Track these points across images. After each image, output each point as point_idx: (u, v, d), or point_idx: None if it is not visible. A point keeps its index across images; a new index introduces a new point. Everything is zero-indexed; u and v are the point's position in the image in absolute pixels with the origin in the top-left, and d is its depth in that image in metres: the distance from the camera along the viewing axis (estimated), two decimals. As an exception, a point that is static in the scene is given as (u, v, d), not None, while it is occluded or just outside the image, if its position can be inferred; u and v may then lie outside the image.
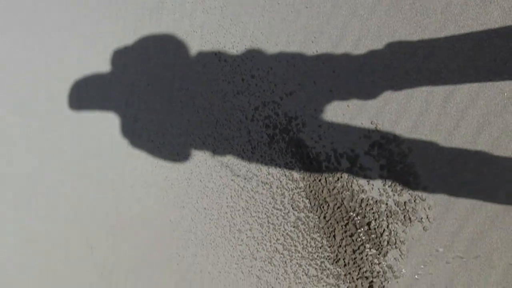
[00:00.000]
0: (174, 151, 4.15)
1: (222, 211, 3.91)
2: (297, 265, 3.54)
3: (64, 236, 5.35)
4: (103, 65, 4.60)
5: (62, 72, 4.99)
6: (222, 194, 3.88)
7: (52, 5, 5.02)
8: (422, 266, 3.00)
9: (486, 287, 2.79)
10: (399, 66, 2.92)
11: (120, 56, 4.45)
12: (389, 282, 3.14)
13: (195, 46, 3.87)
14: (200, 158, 3.97)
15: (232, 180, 3.79)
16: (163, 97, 4.15)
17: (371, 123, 3.06)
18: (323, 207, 3.33)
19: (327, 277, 3.39)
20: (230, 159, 3.78)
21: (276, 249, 3.63)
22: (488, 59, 2.65)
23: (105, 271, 5.01)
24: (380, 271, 3.16)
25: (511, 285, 2.71)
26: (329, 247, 3.35)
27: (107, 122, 4.66)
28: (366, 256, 3.20)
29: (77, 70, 4.85)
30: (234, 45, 3.62)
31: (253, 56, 3.53)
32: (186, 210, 4.17)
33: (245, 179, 3.71)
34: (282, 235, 3.58)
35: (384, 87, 2.98)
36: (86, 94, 4.81)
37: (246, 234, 3.79)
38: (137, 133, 4.42)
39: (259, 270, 3.76)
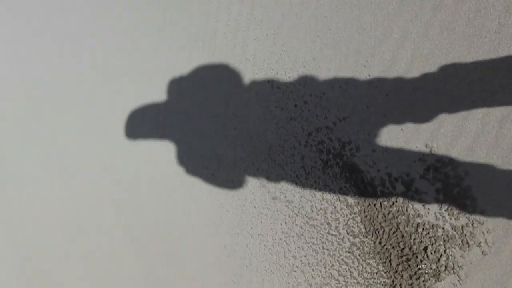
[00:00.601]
0: (229, 178, 4.21)
1: (277, 237, 3.93)
2: (353, 292, 3.52)
3: (123, 260, 5.45)
4: (159, 95, 4.72)
5: (119, 103, 5.15)
6: (277, 220, 3.91)
7: (108, 36, 5.20)
8: (482, 292, 2.95)
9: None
10: (453, 89, 2.91)
11: (175, 86, 4.57)
12: (449, 308, 3.09)
13: (248, 74, 3.94)
14: (254, 184, 4.01)
15: (286, 206, 3.81)
16: (217, 125, 4.23)
17: (426, 146, 3.05)
18: (378, 232, 3.32)
19: (384, 303, 3.36)
20: (283, 186, 3.81)
21: (331, 275, 3.62)
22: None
23: (161, 298, 5.08)
24: (438, 298, 3.12)
25: None
26: (385, 272, 3.32)
27: (163, 150, 4.77)
28: (423, 281, 3.16)
29: (134, 101, 4.98)
30: (287, 72, 3.68)
31: (305, 82, 3.57)
32: (240, 236, 4.21)
33: (298, 205, 3.73)
34: (337, 261, 3.56)
35: (438, 110, 2.97)
36: (141, 123, 4.94)
37: (300, 260, 3.80)
38: (192, 161, 4.50)
39: (314, 296, 3.76)
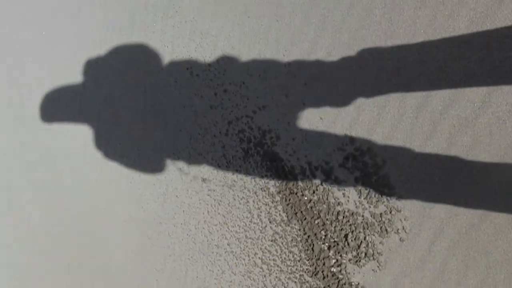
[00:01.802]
0: (149, 166, 4.12)
1: (199, 226, 3.88)
2: (276, 279, 3.52)
3: (42, 250, 5.29)
4: (76, 78, 4.55)
5: (34, 85, 4.94)
6: (199, 209, 3.85)
7: (26, 18, 4.97)
8: (399, 277, 2.99)
9: (464, 296, 2.79)
10: (370, 77, 2.92)
11: (92, 70, 4.41)
12: (369, 294, 3.14)
13: (166, 61, 3.84)
14: (175, 173, 3.94)
15: (208, 195, 3.76)
16: (135, 112, 4.11)
17: (345, 135, 3.05)
18: (300, 220, 3.32)
19: (307, 290, 3.38)
20: (205, 175, 3.75)
21: (255, 263, 3.60)
22: (458, 69, 2.65)
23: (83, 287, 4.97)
24: (358, 283, 3.15)
25: (493, 282, 2.72)
26: (308, 260, 3.33)
27: (80, 135, 4.62)
28: (344, 268, 3.19)
29: (51, 84, 4.79)
30: (206, 59, 3.60)
31: (225, 70, 3.51)
32: (163, 226, 4.14)
33: (220, 194, 3.69)
34: (260, 249, 3.55)
35: (356, 98, 2.98)
36: (58, 106, 4.76)
37: (224, 249, 3.76)
38: (111, 148, 4.38)
39: (238, 285, 3.74)
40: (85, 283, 4.92)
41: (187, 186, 3.88)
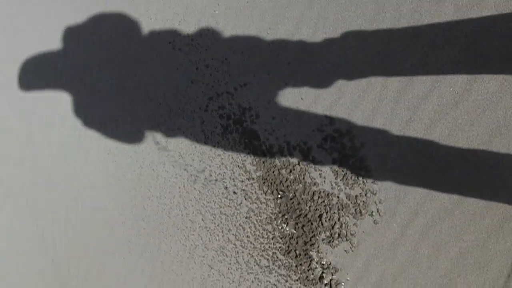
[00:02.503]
0: (127, 138, 4.08)
1: (175, 200, 3.86)
2: (249, 256, 3.52)
3: (16, 223, 5.23)
4: (57, 44, 4.48)
5: (14, 51, 4.85)
6: (175, 184, 3.83)
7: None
8: (371, 259, 3.01)
9: (435, 279, 2.82)
10: (353, 59, 2.91)
11: (74, 37, 4.34)
12: (339, 274, 3.15)
13: (149, 33, 3.80)
14: (152, 147, 3.91)
15: (185, 169, 3.74)
16: (116, 83, 4.06)
17: (325, 116, 3.04)
18: (275, 199, 3.31)
19: (278, 268, 3.39)
20: (183, 150, 3.73)
21: (229, 239, 3.60)
22: (442, 55, 2.65)
23: (56, 257, 4.92)
24: (330, 263, 3.17)
25: (458, 275, 2.74)
26: (281, 238, 3.34)
27: (60, 104, 4.55)
28: (317, 248, 3.20)
29: (30, 50, 4.71)
30: (189, 34, 3.56)
31: (208, 45, 3.48)
32: (138, 198, 4.11)
33: (197, 170, 3.67)
34: (235, 225, 3.55)
35: (338, 80, 2.97)
36: (38, 72, 4.68)
37: (198, 224, 3.76)
38: (90, 118, 4.33)
39: (211, 259, 3.74)
40: (59, 251, 4.89)
41: (164, 160, 3.86)
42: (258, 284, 3.51)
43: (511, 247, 2.59)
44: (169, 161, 3.83)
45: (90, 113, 4.32)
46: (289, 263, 3.34)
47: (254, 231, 3.46)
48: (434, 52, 2.67)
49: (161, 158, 3.87)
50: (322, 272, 3.22)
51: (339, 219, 3.09)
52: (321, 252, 3.20)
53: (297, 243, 3.29)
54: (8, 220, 5.31)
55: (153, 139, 3.89)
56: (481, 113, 2.58)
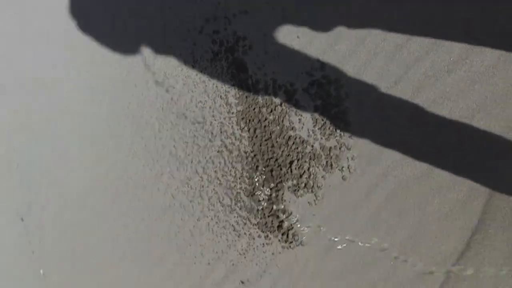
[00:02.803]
0: (115, 48, 4.00)
1: (151, 121, 3.80)
2: (213, 192, 3.48)
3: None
4: None
5: None
6: (154, 104, 3.76)
7: None
8: (332, 216, 2.97)
9: (390, 245, 2.78)
10: (359, 5, 2.83)
11: None
12: (298, 224, 3.11)
13: None
14: (139, 62, 3.83)
15: (167, 91, 3.67)
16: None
17: (317, 60, 2.97)
18: (251, 137, 3.25)
19: (240, 209, 3.34)
20: (168, 70, 3.65)
21: (196, 171, 3.55)
22: (446, 20, 2.58)
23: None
24: (291, 212, 3.12)
25: (413, 244, 2.70)
26: (248, 179, 3.29)
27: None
28: (282, 195, 3.15)
29: None
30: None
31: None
32: (115, 113, 4.04)
33: (179, 93, 3.60)
34: (205, 158, 3.49)
35: (339, 24, 2.89)
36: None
37: (169, 150, 3.70)
38: (84, 19, 4.25)
39: (175, 189, 3.69)
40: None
41: (148, 77, 3.78)
42: (216, 222, 3.47)
43: (470, 225, 2.54)
44: (153, 79, 3.75)
45: (86, 16, 4.24)
46: (251, 205, 3.30)
47: (223, 167, 3.41)
48: (440, 14, 2.59)
49: (145, 75, 3.80)
50: (282, 221, 3.17)
51: (308, 169, 3.03)
52: (285, 200, 3.15)
53: (262, 186, 3.23)
54: None
55: (141, 54, 3.81)
56: (471, 85, 2.51)
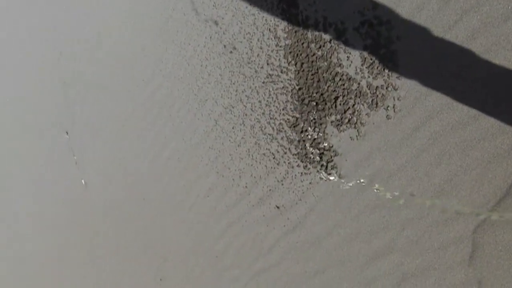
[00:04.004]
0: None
1: (198, 50, 3.77)
2: (255, 120, 3.49)
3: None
4: None
5: None
6: (202, 32, 3.72)
7: None
8: (373, 152, 2.97)
9: (429, 186, 2.78)
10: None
11: None
12: (338, 158, 3.12)
13: None
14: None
15: (215, 21, 3.61)
16: None
17: (370, 0, 2.88)
18: (297, 71, 3.22)
19: (281, 138, 3.36)
20: (218, 0, 3.58)
21: (240, 99, 3.54)
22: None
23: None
24: (332, 146, 3.13)
25: (453, 188, 2.70)
26: (292, 111, 3.29)
27: None
28: (324, 128, 3.15)
29: None
30: None
31: None
32: (160, 40, 4.01)
33: (228, 24, 3.54)
34: (250, 87, 3.48)
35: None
36: None
37: (215, 78, 3.69)
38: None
39: (218, 115, 3.70)
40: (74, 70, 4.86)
41: (196, 7, 3.72)
42: (257, 149, 3.50)
43: (511, 175, 2.53)
44: (201, 9, 3.69)
45: None
46: (293, 137, 3.31)
47: (267, 98, 3.40)
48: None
49: (194, 4, 3.73)
50: (322, 153, 3.18)
51: (353, 106, 3.02)
52: (327, 133, 3.15)
53: (306, 119, 3.23)
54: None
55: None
56: (528, 35, 2.44)
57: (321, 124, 3.17)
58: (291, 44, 3.23)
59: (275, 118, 3.38)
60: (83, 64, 4.78)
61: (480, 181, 2.61)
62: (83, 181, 5.20)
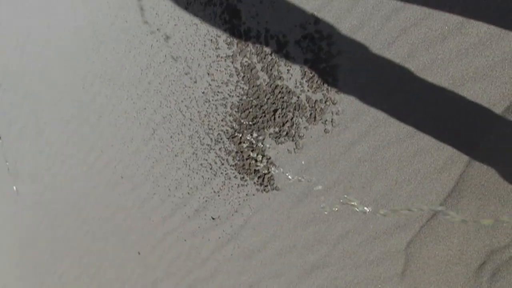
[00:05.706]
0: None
1: (139, 58, 3.61)
2: (194, 130, 3.34)
3: None
4: None
5: None
6: (143, 41, 3.56)
7: None
8: (310, 165, 2.87)
9: (365, 200, 2.71)
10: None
11: None
12: (275, 170, 3.00)
13: None
14: (133, 1, 3.60)
15: (157, 29, 3.45)
16: None
17: (312, 14, 2.79)
18: (237, 82, 3.09)
19: (219, 149, 3.23)
20: (160, 11, 3.43)
21: (180, 109, 3.40)
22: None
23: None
24: (270, 158, 3.01)
25: (388, 201, 2.63)
26: (231, 122, 3.16)
27: None
28: (262, 140, 3.03)
29: None
30: None
31: None
32: (101, 47, 3.81)
33: (170, 33, 3.39)
34: (190, 97, 3.34)
35: (337, -19, 2.71)
36: None
37: (154, 86, 3.53)
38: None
39: (156, 124, 3.54)
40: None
41: (139, 16, 3.55)
42: (194, 160, 3.35)
43: (445, 190, 2.48)
44: (143, 17, 3.52)
45: None
46: (231, 148, 3.18)
47: (206, 108, 3.26)
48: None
49: (136, 13, 3.56)
50: (260, 165, 3.07)
51: (292, 119, 2.91)
52: (264, 145, 3.03)
53: (244, 130, 3.11)
54: None
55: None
56: (464, 55, 2.40)
57: (259, 136, 3.05)
58: (232, 55, 3.11)
59: (214, 128, 3.24)
60: (19, 67, 4.52)
61: (415, 195, 2.55)
62: (14, 187, 4.93)
